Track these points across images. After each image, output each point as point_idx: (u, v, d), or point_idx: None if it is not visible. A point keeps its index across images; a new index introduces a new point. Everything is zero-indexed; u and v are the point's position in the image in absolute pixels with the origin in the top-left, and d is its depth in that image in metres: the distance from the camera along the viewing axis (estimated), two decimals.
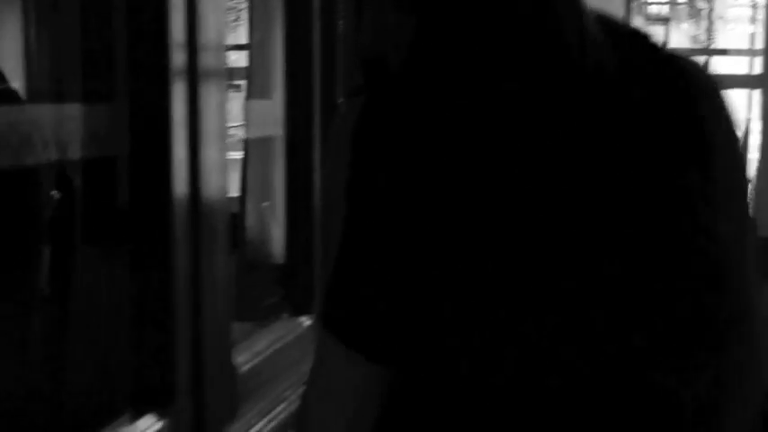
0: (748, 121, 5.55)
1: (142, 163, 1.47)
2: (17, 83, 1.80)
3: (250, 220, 2.25)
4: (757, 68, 5.26)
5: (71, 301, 1.77)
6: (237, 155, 2.30)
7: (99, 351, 1.65)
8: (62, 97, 1.89)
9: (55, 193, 1.90)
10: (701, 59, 1.10)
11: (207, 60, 1.51)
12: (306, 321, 1.95)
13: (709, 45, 11.06)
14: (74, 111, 1.78)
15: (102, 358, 1.61)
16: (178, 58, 1.45)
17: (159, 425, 1.41)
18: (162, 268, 1.45)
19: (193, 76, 1.48)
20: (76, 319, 1.75)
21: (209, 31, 1.51)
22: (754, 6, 9.56)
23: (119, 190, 2.22)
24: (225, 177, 1.60)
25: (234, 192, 2.13)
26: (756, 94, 5.01)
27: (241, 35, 2.88)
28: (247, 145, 2.28)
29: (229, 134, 1.68)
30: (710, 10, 11.88)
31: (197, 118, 1.49)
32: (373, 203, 0.94)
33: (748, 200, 0.99)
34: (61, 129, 1.82)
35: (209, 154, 1.52)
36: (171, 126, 1.44)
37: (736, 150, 0.97)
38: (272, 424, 1.74)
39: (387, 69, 0.93)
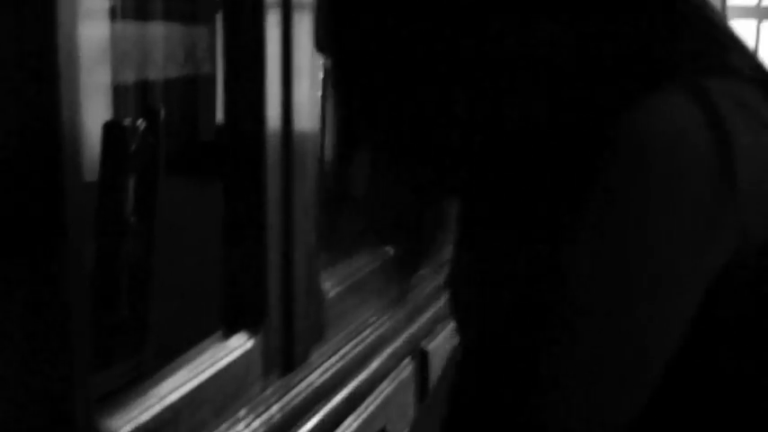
0: None
1: (235, 92, 1.48)
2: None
3: (329, 153, 2.25)
4: None
5: (158, 229, 1.79)
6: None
7: (191, 274, 1.68)
8: (151, 17, 1.90)
9: (141, 122, 1.91)
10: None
11: None
12: (390, 251, 1.95)
13: None
14: (164, 31, 1.79)
15: (194, 281, 1.64)
16: None
17: (251, 343, 1.44)
18: (254, 195, 1.47)
19: (287, 9, 1.48)
20: (166, 245, 1.77)
21: None
22: None
23: (203, 120, 2.24)
24: (316, 107, 1.61)
25: None
26: None
27: None
28: (326, 75, 2.28)
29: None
30: None
31: (290, 50, 1.50)
32: None
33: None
34: (150, 50, 1.84)
35: (301, 86, 1.53)
36: (265, 57, 1.44)
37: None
38: (359, 348, 1.76)
39: None
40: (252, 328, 1.45)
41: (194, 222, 1.86)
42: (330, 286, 1.70)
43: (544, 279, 0.89)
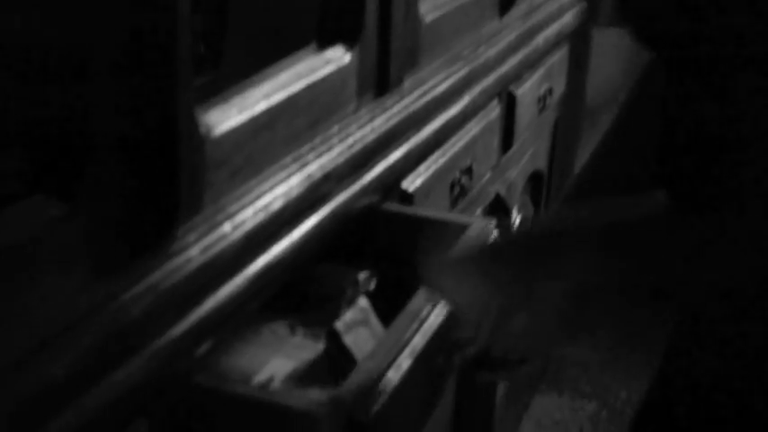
0: None
1: None
2: None
3: None
4: None
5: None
6: None
7: None
8: None
9: None
10: None
11: None
12: None
13: None
14: None
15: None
16: None
17: (347, 57, 1.39)
18: None
19: None
20: None
21: None
22: None
23: None
24: None
25: None
26: None
27: None
28: None
29: None
30: None
31: None
32: None
33: None
34: None
35: None
36: None
37: None
38: (450, 80, 1.70)
39: None
40: (348, 43, 1.40)
41: None
42: (427, 11, 1.63)
43: None
